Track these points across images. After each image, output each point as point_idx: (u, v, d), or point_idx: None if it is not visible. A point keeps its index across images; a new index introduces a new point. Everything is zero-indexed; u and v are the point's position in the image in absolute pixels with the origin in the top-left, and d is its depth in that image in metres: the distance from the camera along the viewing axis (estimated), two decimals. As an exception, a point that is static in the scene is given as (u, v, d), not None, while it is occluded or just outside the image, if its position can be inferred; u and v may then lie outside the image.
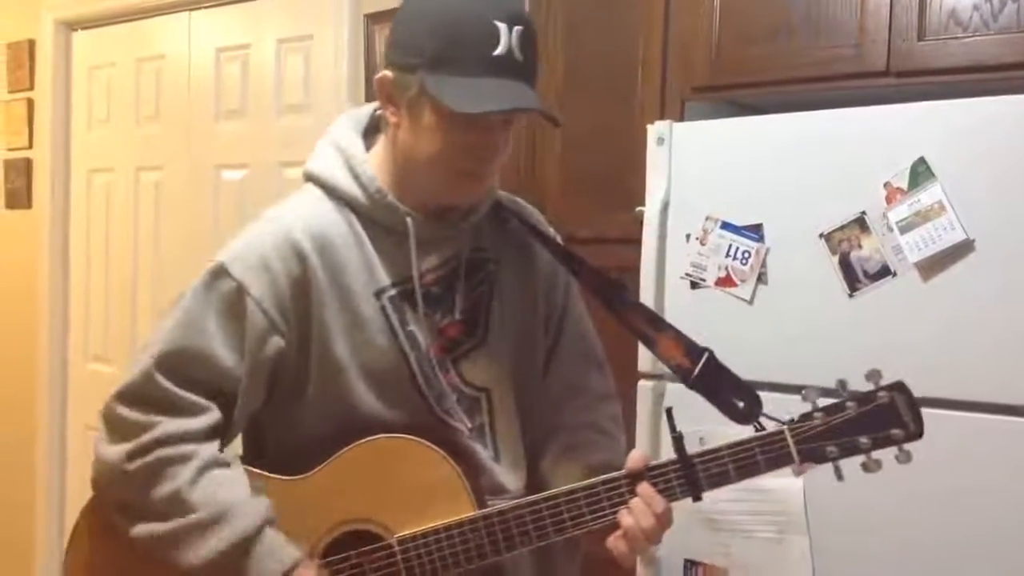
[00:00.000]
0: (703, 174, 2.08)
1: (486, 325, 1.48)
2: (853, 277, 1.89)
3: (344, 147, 1.46)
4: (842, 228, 1.90)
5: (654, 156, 2.14)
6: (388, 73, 1.38)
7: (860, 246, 1.88)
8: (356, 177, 1.42)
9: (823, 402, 1.31)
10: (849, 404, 1.30)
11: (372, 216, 1.42)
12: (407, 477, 1.37)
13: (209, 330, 1.36)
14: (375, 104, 1.47)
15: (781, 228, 1.97)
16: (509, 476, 1.47)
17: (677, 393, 2.01)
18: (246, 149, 3.17)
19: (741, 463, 1.32)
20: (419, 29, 1.34)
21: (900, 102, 1.87)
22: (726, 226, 2.03)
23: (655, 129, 2.15)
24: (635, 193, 2.20)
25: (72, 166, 3.70)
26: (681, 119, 2.29)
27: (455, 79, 1.30)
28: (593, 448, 1.48)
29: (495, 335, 1.48)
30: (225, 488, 1.35)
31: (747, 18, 2.23)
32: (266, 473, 1.41)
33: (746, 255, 2.00)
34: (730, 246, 2.02)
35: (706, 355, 1.43)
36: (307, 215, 1.41)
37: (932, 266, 1.80)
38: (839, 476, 1.31)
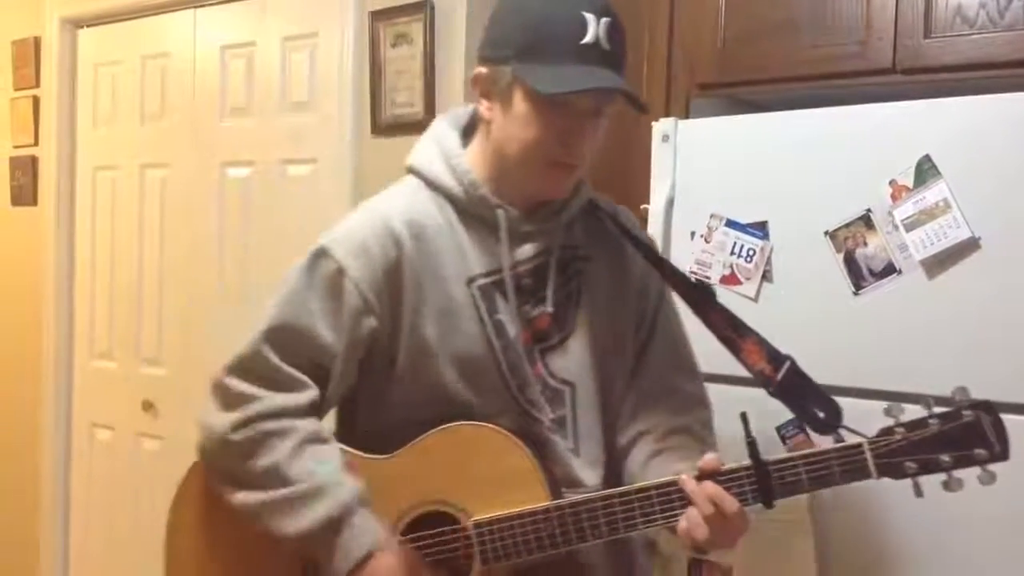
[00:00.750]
0: (708, 171, 2.08)
1: (575, 320, 1.52)
2: (858, 275, 1.88)
3: (442, 141, 1.54)
4: (847, 226, 1.89)
5: (659, 153, 2.14)
6: (482, 69, 1.46)
7: (865, 244, 1.87)
8: (452, 169, 1.50)
9: (906, 418, 1.29)
10: (932, 421, 1.28)
11: (466, 207, 1.49)
12: (486, 464, 1.43)
13: (311, 308, 1.46)
14: (474, 106, 1.53)
15: (786, 226, 1.96)
16: (587, 471, 1.50)
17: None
18: (251, 146, 3.17)
19: (816, 473, 1.32)
20: (510, 24, 1.43)
21: (906, 99, 1.87)
22: (731, 224, 2.03)
23: (660, 126, 2.15)
24: (640, 190, 2.20)
25: (77, 163, 3.70)
26: (686, 116, 2.28)
27: (544, 67, 1.37)
28: (682, 452, 1.48)
29: (583, 330, 1.52)
30: (321, 465, 1.44)
31: (753, 15, 2.23)
32: (354, 451, 1.49)
33: (751, 253, 2.00)
34: (735, 244, 2.02)
35: (788, 363, 1.46)
36: (405, 204, 1.50)
37: (937, 264, 1.80)
38: (918, 493, 1.29)
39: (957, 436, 1.27)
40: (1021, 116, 1.73)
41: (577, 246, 1.55)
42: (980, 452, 1.26)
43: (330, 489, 1.42)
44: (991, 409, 1.28)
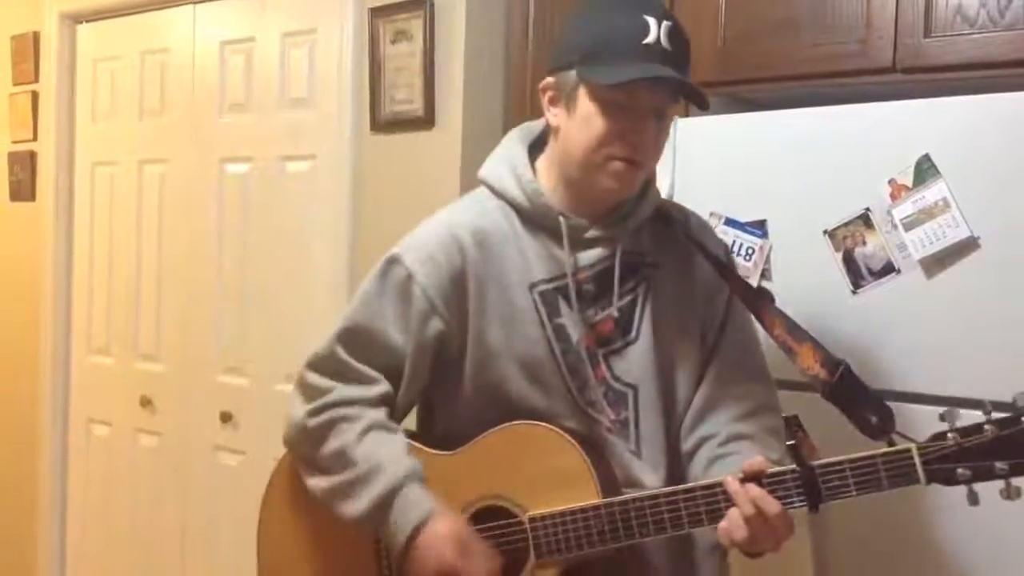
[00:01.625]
0: (707, 170, 2.08)
1: (639, 325, 1.56)
2: (857, 274, 1.88)
3: (510, 152, 1.61)
4: (846, 225, 1.89)
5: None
6: (549, 78, 1.53)
7: (864, 243, 1.87)
8: (517, 179, 1.57)
9: (961, 423, 1.27)
10: (988, 427, 1.25)
11: (530, 215, 1.56)
12: (542, 462, 1.49)
13: (383, 312, 1.56)
14: (546, 120, 1.58)
15: (785, 224, 1.96)
16: (648, 473, 1.54)
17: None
18: (250, 143, 3.17)
19: (863, 477, 1.32)
20: (576, 33, 1.52)
21: (906, 98, 1.87)
22: (730, 222, 2.03)
23: (659, 124, 2.14)
24: (639, 188, 2.19)
25: (76, 159, 3.70)
26: (686, 114, 2.28)
27: (607, 66, 1.43)
28: (743, 456, 1.48)
29: (647, 335, 1.56)
30: (383, 447, 1.52)
31: (753, 13, 2.22)
32: (419, 445, 1.58)
33: (750, 251, 2.00)
34: (734, 242, 2.02)
35: (842, 367, 1.48)
36: (472, 214, 1.59)
37: (936, 263, 1.80)
38: (972, 501, 1.27)
39: (1015, 443, 1.24)
40: (1021, 116, 1.73)
41: (644, 252, 1.59)
42: None
43: (385, 468, 1.49)
44: None
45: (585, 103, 1.47)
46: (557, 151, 1.55)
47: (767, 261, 1.98)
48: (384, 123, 2.82)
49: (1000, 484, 1.25)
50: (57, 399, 3.72)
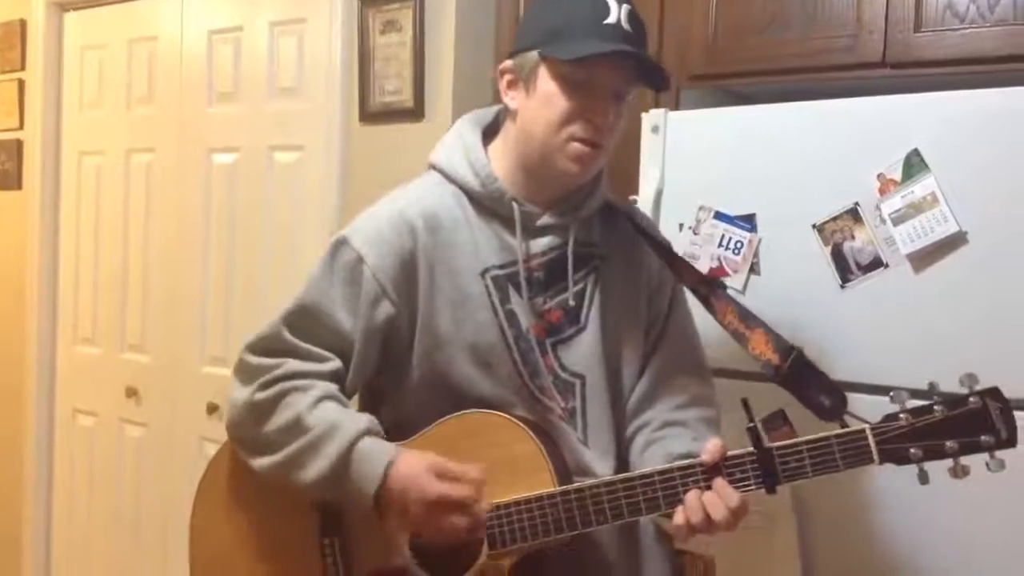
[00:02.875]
0: (697, 163, 2.07)
1: (587, 315, 1.55)
2: (845, 268, 1.88)
3: (463, 138, 1.59)
4: (835, 219, 1.89)
5: (648, 144, 2.13)
6: (508, 61, 1.52)
7: (853, 237, 1.87)
8: (470, 164, 1.55)
9: (911, 404, 1.30)
10: (937, 408, 1.29)
11: (482, 201, 1.54)
12: (494, 450, 1.46)
13: (331, 294, 1.52)
14: (499, 107, 1.59)
15: (774, 218, 1.96)
16: (597, 461, 1.53)
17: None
18: (238, 132, 3.15)
19: (819, 458, 1.33)
20: (536, 16, 1.52)
21: (896, 93, 1.87)
22: (719, 216, 2.03)
23: (649, 117, 2.14)
24: (628, 182, 2.19)
25: (63, 148, 3.67)
26: (676, 108, 2.28)
27: (568, 44, 1.43)
28: (677, 439, 1.51)
29: (595, 325, 1.56)
30: (336, 412, 1.48)
31: (743, 7, 2.22)
32: None
33: (739, 245, 2.00)
34: (723, 236, 2.02)
35: (795, 352, 1.48)
36: (423, 197, 1.56)
37: (925, 258, 1.80)
38: (923, 480, 1.30)
39: (963, 423, 1.27)
40: (1010, 111, 1.73)
41: (594, 243, 1.59)
42: (987, 439, 1.27)
43: (342, 426, 1.45)
44: (999, 396, 1.28)
45: (546, 82, 1.46)
46: (514, 135, 1.53)
47: (756, 255, 1.98)
48: (373, 114, 2.81)
49: (949, 463, 1.29)
50: (43, 389, 3.70)
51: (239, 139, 3.15)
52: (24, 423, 3.72)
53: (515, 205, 1.52)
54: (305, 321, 1.53)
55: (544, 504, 1.42)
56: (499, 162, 1.56)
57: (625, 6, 1.46)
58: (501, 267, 1.53)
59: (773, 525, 1.90)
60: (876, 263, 1.85)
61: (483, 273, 1.52)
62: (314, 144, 2.95)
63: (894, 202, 1.82)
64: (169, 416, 3.36)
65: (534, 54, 1.47)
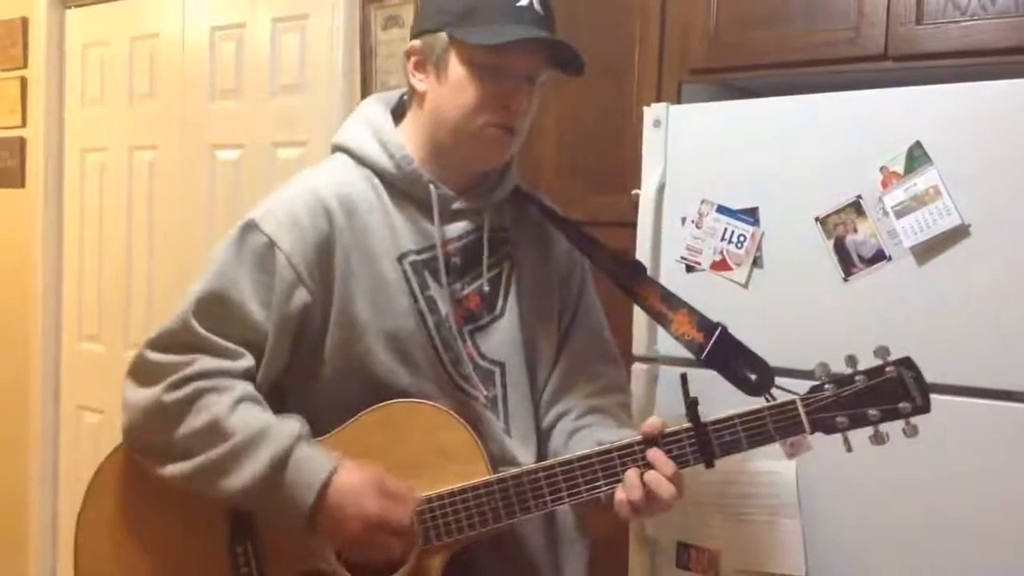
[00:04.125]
0: (699, 157, 2.07)
1: (504, 301, 1.52)
2: (848, 261, 1.88)
3: (373, 120, 1.52)
4: (838, 212, 1.89)
5: (650, 138, 2.13)
6: (415, 42, 1.46)
7: (855, 230, 1.87)
8: (383, 145, 1.48)
9: (833, 375, 1.36)
10: (858, 378, 1.35)
11: (397, 184, 1.47)
12: (423, 441, 1.40)
13: (241, 283, 1.41)
14: (403, 89, 1.54)
15: (777, 212, 1.96)
16: (520, 449, 1.51)
17: (672, 377, 2.02)
18: (241, 129, 3.16)
19: (753, 431, 1.35)
20: None
21: (898, 86, 1.86)
22: (722, 209, 2.03)
23: (651, 111, 2.14)
24: (630, 176, 2.20)
25: (66, 145, 3.68)
26: (678, 101, 2.28)
27: (480, 28, 1.38)
28: (600, 428, 1.50)
29: (512, 311, 1.53)
30: (262, 415, 1.37)
31: (745, 0, 2.22)
32: None
33: (741, 239, 2.00)
34: (725, 230, 2.02)
35: (719, 330, 1.48)
36: (335, 179, 1.47)
37: (927, 251, 1.80)
38: (848, 447, 1.35)
39: (882, 391, 1.34)
40: (1013, 103, 1.73)
41: (506, 229, 1.56)
42: (904, 406, 1.33)
43: (270, 431, 1.35)
44: (912, 365, 1.34)
45: (457, 68, 1.42)
46: (424, 118, 1.48)
47: (759, 248, 1.98)
48: (375, 110, 2.81)
49: (870, 431, 1.34)
50: (47, 386, 3.71)
51: (242, 135, 3.15)
52: (29, 420, 3.73)
53: (433, 188, 1.47)
54: (214, 312, 1.40)
55: (480, 493, 1.37)
56: (411, 144, 1.49)
57: None
58: (418, 252, 1.47)
59: (777, 518, 1.91)
60: (879, 256, 1.85)
61: (400, 258, 1.46)
62: (317, 140, 2.95)
63: (897, 195, 1.82)
64: (174, 412, 3.36)
65: (443, 36, 1.42)
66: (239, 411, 1.37)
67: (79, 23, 3.63)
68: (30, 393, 3.73)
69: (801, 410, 1.35)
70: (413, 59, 1.47)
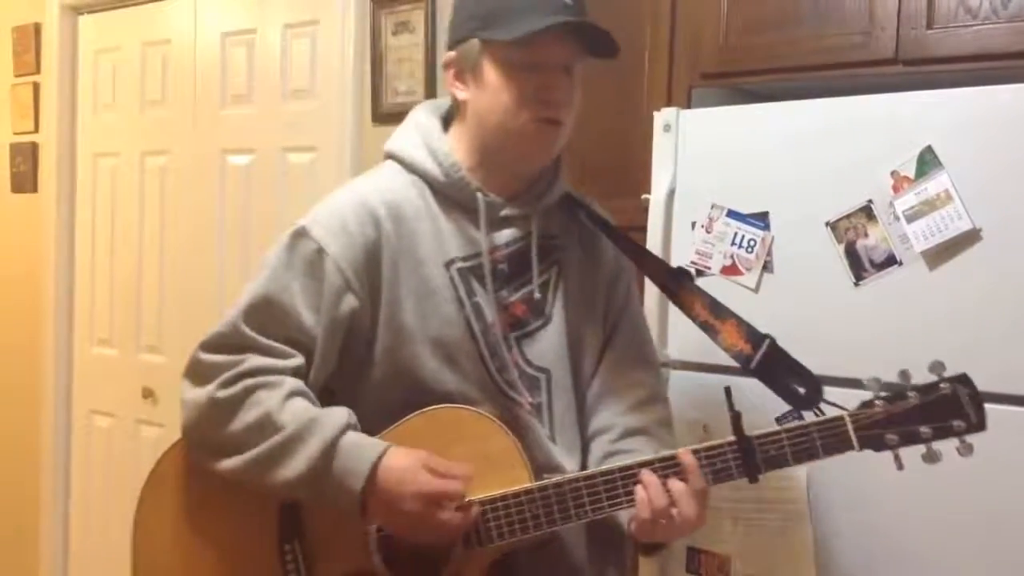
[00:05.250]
0: (709, 161, 2.07)
1: (551, 308, 1.52)
2: (859, 266, 1.88)
3: (422, 127, 1.54)
4: (848, 217, 1.89)
5: (660, 143, 2.13)
6: (450, 53, 1.48)
7: (866, 235, 1.87)
8: (432, 153, 1.50)
9: (885, 392, 1.32)
10: (911, 394, 1.31)
11: (445, 191, 1.49)
12: (466, 447, 1.41)
13: (292, 288, 1.44)
14: (450, 99, 1.54)
15: (787, 216, 1.96)
16: (565, 457, 1.50)
17: (679, 382, 2.01)
18: (252, 134, 3.16)
19: (799, 446, 1.33)
20: (470, 3, 1.47)
21: (908, 90, 1.86)
22: (732, 214, 2.03)
23: (662, 116, 2.14)
24: (641, 180, 2.19)
25: (78, 150, 3.70)
26: (688, 106, 2.28)
27: (507, 25, 1.39)
28: (638, 455, 1.46)
29: (559, 318, 1.53)
30: (310, 408, 1.41)
31: (756, 5, 2.22)
32: None
33: (752, 243, 2.00)
34: (736, 234, 2.01)
35: (767, 341, 1.46)
36: (384, 186, 1.50)
37: (938, 255, 1.79)
38: (899, 466, 1.31)
39: (936, 408, 1.30)
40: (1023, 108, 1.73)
41: (555, 236, 1.56)
42: (958, 424, 1.29)
43: (320, 420, 1.38)
44: (968, 382, 1.31)
45: (491, 70, 1.43)
46: (469, 125, 1.50)
47: (769, 253, 1.98)
48: (385, 114, 2.82)
49: (922, 449, 1.31)
50: (59, 391, 3.73)
51: (253, 141, 3.16)
52: (41, 424, 3.74)
53: (479, 196, 1.48)
54: (264, 316, 1.44)
55: (522, 500, 1.38)
56: (459, 152, 1.51)
57: None
58: (465, 259, 1.48)
59: (788, 524, 1.90)
60: (890, 261, 1.85)
61: (447, 265, 1.47)
62: (327, 145, 2.96)
63: (908, 199, 1.82)
64: (185, 417, 3.37)
65: (475, 42, 1.44)
66: (289, 405, 1.39)
67: (91, 29, 3.65)
68: (42, 397, 3.74)
69: (850, 426, 1.32)
70: (451, 70, 1.49)
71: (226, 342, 1.46)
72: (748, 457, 1.34)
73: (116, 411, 3.60)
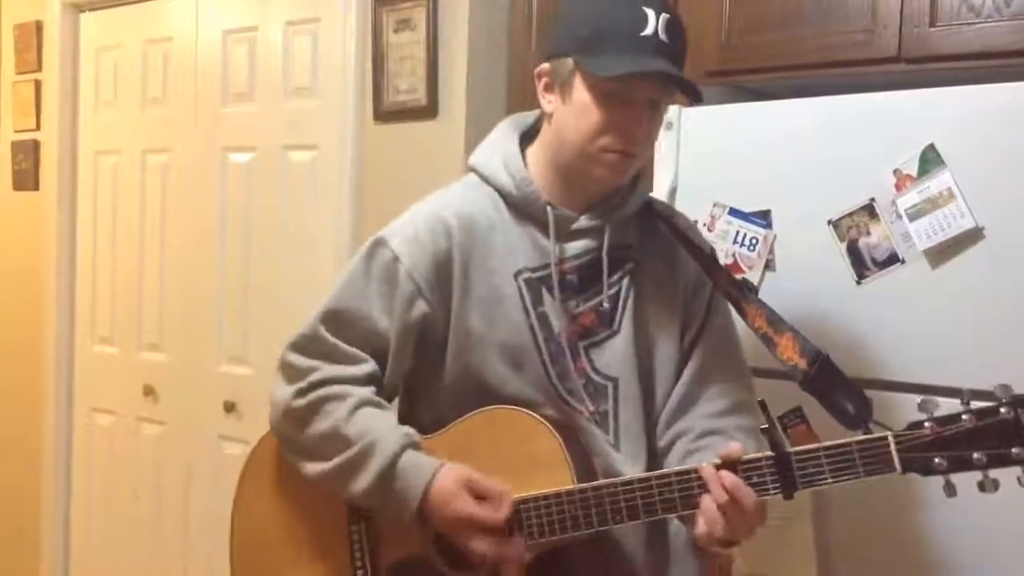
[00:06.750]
0: (711, 160, 2.07)
1: (622, 318, 1.56)
2: (861, 264, 1.88)
3: (500, 141, 1.62)
4: (851, 215, 1.89)
5: (662, 141, 2.13)
6: (545, 64, 1.53)
7: (869, 233, 1.87)
8: (506, 166, 1.57)
9: (939, 413, 1.25)
10: (965, 416, 1.24)
11: (517, 203, 1.56)
12: (517, 445, 1.48)
13: (367, 294, 1.55)
14: (540, 110, 1.58)
15: (789, 215, 1.96)
16: (627, 465, 1.52)
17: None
18: (253, 132, 3.16)
19: (838, 464, 1.30)
20: (574, 20, 1.51)
21: (911, 88, 1.86)
22: (734, 212, 2.03)
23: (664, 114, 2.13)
24: (643, 179, 2.19)
25: (79, 148, 3.69)
26: (690, 104, 2.27)
27: (604, 57, 1.43)
28: (714, 451, 1.46)
29: (628, 329, 1.56)
30: (376, 421, 1.51)
31: (758, 3, 2.22)
32: None
33: (754, 242, 1.99)
34: (738, 232, 2.01)
35: (821, 357, 1.47)
36: (460, 199, 1.59)
37: (941, 254, 1.79)
38: (949, 492, 1.25)
39: (993, 433, 1.22)
40: (1027, 106, 1.73)
41: (630, 246, 1.59)
42: (1018, 452, 1.20)
43: (380, 442, 1.48)
44: None
45: (581, 92, 1.47)
46: (550, 138, 1.55)
47: (771, 251, 1.98)
48: (387, 113, 2.82)
49: (978, 476, 1.24)
50: (61, 388, 3.73)
51: (254, 139, 3.16)
52: (42, 422, 3.74)
53: (549, 209, 1.54)
54: (342, 320, 1.55)
55: (562, 501, 1.42)
56: (536, 165, 1.57)
57: (664, 15, 1.45)
58: (534, 269, 1.54)
59: (790, 523, 1.90)
60: (892, 259, 1.85)
61: (516, 275, 1.54)
62: (329, 143, 2.95)
63: (910, 197, 1.82)
64: (186, 414, 3.38)
65: (570, 62, 1.48)
66: (356, 418, 1.50)
67: (93, 27, 3.64)
68: (43, 395, 3.74)
69: (893, 447, 1.27)
70: (543, 80, 1.53)
71: (308, 345, 1.57)
72: (785, 473, 1.32)
73: (117, 409, 3.60)
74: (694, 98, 1.50)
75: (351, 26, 2.87)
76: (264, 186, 3.14)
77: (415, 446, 1.49)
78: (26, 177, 3.79)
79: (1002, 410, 1.22)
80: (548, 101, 1.53)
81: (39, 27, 3.71)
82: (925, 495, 1.78)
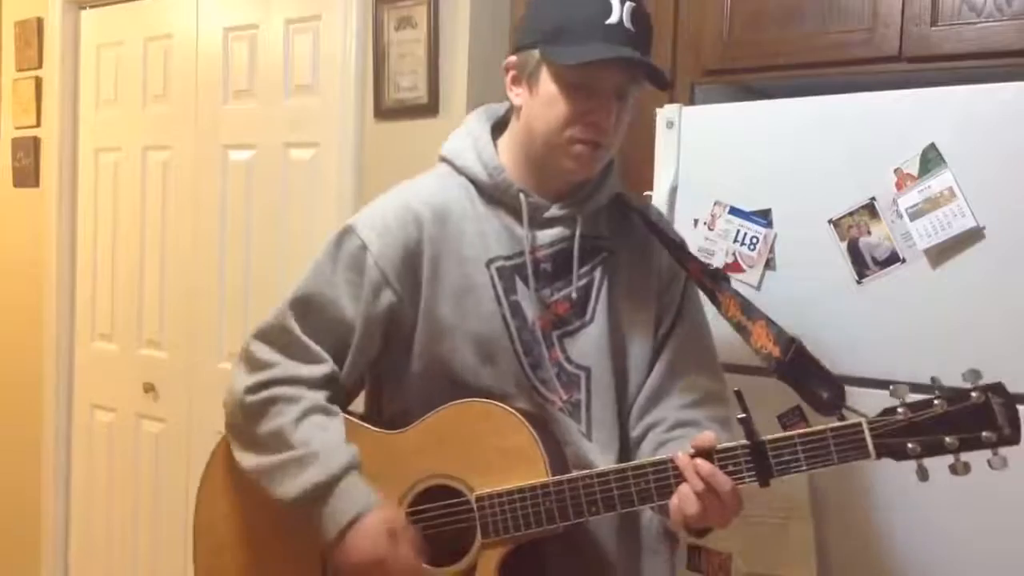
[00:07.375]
0: (712, 159, 2.07)
1: (594, 308, 1.56)
2: (862, 263, 1.88)
3: (473, 131, 1.61)
4: (851, 214, 1.89)
5: (663, 140, 2.13)
6: (512, 57, 1.54)
7: (869, 232, 1.87)
8: (478, 155, 1.57)
9: (911, 398, 1.27)
10: (937, 401, 1.26)
11: (490, 192, 1.56)
12: (490, 440, 1.48)
13: (335, 281, 1.55)
14: (508, 102, 1.59)
15: (790, 213, 1.96)
16: (599, 455, 1.53)
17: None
18: (254, 129, 3.16)
19: (813, 452, 1.31)
20: (539, 12, 1.52)
21: (912, 87, 1.86)
22: (734, 211, 2.02)
23: (664, 113, 2.14)
24: (643, 177, 2.19)
25: (80, 145, 3.69)
26: (691, 103, 2.27)
27: (570, 47, 1.43)
28: (687, 441, 1.47)
29: (602, 319, 1.56)
30: (322, 432, 1.51)
31: (759, 1, 2.21)
32: (366, 425, 1.57)
33: (754, 240, 1.99)
34: (738, 231, 2.01)
35: (795, 344, 1.48)
36: (432, 188, 1.59)
37: (942, 253, 1.79)
38: (922, 476, 1.27)
39: (964, 418, 1.24)
40: (1028, 105, 1.72)
41: (602, 236, 1.59)
42: (988, 435, 1.23)
43: (323, 456, 1.48)
44: (1003, 391, 1.25)
45: (547, 83, 1.47)
46: (519, 130, 1.55)
47: (771, 250, 1.97)
48: (388, 110, 2.82)
49: (949, 459, 1.26)
50: (61, 385, 3.73)
51: (255, 136, 3.16)
52: (42, 419, 3.74)
53: (522, 196, 1.53)
54: (310, 308, 1.56)
55: (537, 494, 1.42)
56: (507, 154, 1.57)
57: (629, 4, 1.45)
58: (507, 258, 1.54)
59: (789, 522, 1.90)
60: (893, 258, 1.85)
61: (488, 263, 1.53)
62: (329, 141, 2.95)
63: (911, 197, 1.82)
64: (187, 411, 3.38)
65: (536, 53, 1.48)
66: (303, 424, 1.51)
67: (93, 24, 3.64)
68: (43, 391, 3.74)
69: (867, 433, 1.28)
70: (511, 73, 1.54)
71: (272, 334, 1.58)
72: (760, 462, 1.32)
73: (117, 406, 3.60)
74: (661, 85, 1.49)
75: (352, 23, 2.87)
76: (265, 184, 3.14)
77: (358, 468, 1.50)
78: (26, 174, 3.78)
79: (973, 395, 1.25)
80: (516, 94, 1.54)
81: (40, 24, 3.71)
82: (925, 495, 1.78)
